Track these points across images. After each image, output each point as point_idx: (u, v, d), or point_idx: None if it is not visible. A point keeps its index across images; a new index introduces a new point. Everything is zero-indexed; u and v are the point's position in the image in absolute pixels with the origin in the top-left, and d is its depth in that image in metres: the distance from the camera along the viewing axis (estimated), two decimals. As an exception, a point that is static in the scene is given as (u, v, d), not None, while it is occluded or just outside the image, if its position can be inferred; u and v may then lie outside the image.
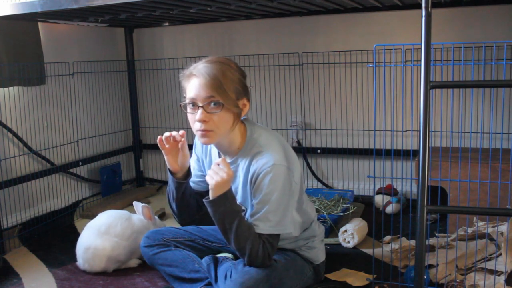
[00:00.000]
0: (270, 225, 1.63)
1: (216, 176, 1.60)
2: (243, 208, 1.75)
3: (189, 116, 1.65)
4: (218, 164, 1.62)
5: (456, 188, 2.23)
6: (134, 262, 2.14)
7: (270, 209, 1.62)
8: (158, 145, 1.75)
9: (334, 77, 2.96)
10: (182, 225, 1.97)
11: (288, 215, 1.68)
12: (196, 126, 1.63)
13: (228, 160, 1.73)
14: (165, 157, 1.76)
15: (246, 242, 1.61)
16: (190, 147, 1.82)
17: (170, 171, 1.80)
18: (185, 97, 1.66)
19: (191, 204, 1.86)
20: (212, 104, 1.59)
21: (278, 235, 1.68)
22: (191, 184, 1.88)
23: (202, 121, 1.60)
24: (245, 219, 1.74)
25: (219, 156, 1.77)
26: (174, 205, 1.85)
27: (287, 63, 3.03)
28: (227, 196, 1.62)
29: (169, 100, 3.35)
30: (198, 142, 1.86)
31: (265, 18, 3.03)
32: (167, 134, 1.74)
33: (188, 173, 1.82)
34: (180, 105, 1.67)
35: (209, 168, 1.82)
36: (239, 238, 1.62)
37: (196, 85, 1.60)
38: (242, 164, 1.70)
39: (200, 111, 1.60)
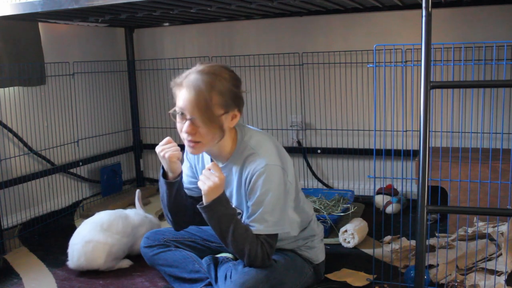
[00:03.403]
0: (267, 225, 1.63)
1: (208, 181, 1.60)
2: (239, 211, 1.75)
3: (178, 124, 1.64)
4: (209, 169, 1.62)
5: (456, 188, 2.23)
6: (126, 263, 2.14)
7: (266, 210, 1.62)
8: (170, 155, 1.70)
9: (334, 77, 2.96)
10: (177, 231, 1.95)
11: (285, 214, 1.68)
12: (183, 136, 1.63)
13: (220, 165, 1.72)
14: (170, 164, 1.72)
15: (244, 244, 1.61)
16: (182, 147, 1.80)
17: (163, 175, 1.78)
18: (174, 104, 1.65)
19: (187, 208, 1.84)
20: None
21: (276, 235, 1.68)
22: (186, 191, 1.87)
23: (189, 133, 1.60)
24: (242, 221, 1.74)
25: (211, 161, 1.77)
26: (167, 211, 1.82)
27: (287, 63, 3.03)
28: (221, 200, 1.62)
29: (169, 100, 3.32)
30: None
31: (265, 18, 3.04)
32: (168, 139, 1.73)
33: (179, 174, 1.80)
34: (169, 113, 1.65)
35: (201, 173, 1.82)
36: (237, 241, 1.62)
37: (185, 98, 1.58)
38: (235, 168, 1.70)
39: (187, 123, 1.59)
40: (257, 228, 1.63)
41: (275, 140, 1.76)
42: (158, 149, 1.72)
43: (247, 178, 1.64)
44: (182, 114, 1.61)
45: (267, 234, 1.64)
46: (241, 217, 1.74)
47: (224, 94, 1.58)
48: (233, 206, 1.74)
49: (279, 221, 1.65)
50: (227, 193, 1.74)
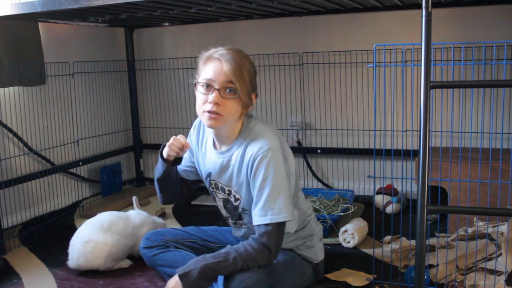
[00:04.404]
0: (273, 213, 1.61)
1: None
2: (237, 197, 1.74)
3: (200, 96, 1.66)
4: None
5: (456, 188, 2.23)
6: (125, 263, 2.14)
7: (270, 195, 1.61)
8: (175, 147, 1.74)
9: (334, 77, 2.96)
10: (162, 204, 1.98)
11: (289, 201, 1.66)
12: (205, 107, 1.64)
13: (223, 149, 1.74)
14: (170, 152, 1.76)
15: (237, 266, 1.62)
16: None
17: (162, 156, 1.81)
18: (195, 79, 1.68)
19: (175, 188, 1.89)
20: (228, 90, 1.62)
21: (284, 224, 1.65)
22: (181, 172, 1.92)
23: (215, 103, 1.62)
24: (239, 209, 1.75)
25: (214, 147, 1.78)
26: (157, 184, 1.87)
27: (287, 63, 3.03)
28: (188, 282, 1.61)
29: (169, 100, 3.35)
30: (193, 133, 1.88)
31: (265, 18, 3.03)
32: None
33: (177, 160, 1.83)
34: (195, 84, 1.67)
35: (203, 160, 1.83)
36: (232, 268, 1.62)
37: (216, 68, 1.62)
38: (237, 152, 1.70)
39: (215, 93, 1.61)
40: (264, 218, 1.62)
41: (279, 134, 1.78)
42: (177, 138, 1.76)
43: (249, 162, 1.65)
44: (208, 86, 1.63)
45: (274, 222, 1.62)
46: (240, 203, 1.74)
47: (250, 73, 1.67)
48: (233, 191, 1.75)
49: (285, 207, 1.63)
50: (226, 178, 1.75)
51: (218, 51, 1.65)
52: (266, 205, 1.62)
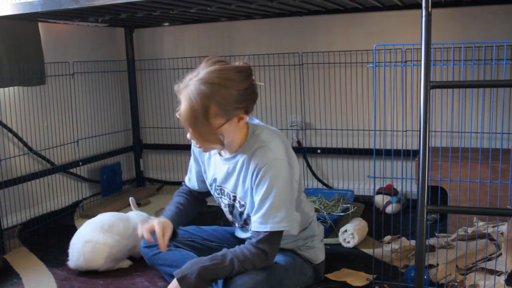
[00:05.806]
0: (274, 221, 1.62)
1: None
2: (243, 203, 1.75)
3: None
4: None
5: (456, 188, 2.23)
6: (125, 263, 2.14)
7: (273, 205, 1.61)
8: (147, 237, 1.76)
9: (334, 77, 2.96)
10: None
11: (291, 210, 1.67)
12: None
13: (228, 156, 1.73)
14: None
15: (234, 268, 1.61)
16: (186, 146, 1.83)
17: None
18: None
19: (190, 217, 1.95)
20: None
21: (281, 232, 1.66)
22: (190, 185, 1.93)
23: (191, 139, 1.63)
24: (244, 215, 1.74)
25: (219, 154, 1.77)
26: None
27: (287, 63, 3.03)
28: (189, 286, 1.60)
29: (169, 100, 3.35)
30: None
31: (265, 18, 3.03)
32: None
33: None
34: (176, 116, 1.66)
35: (208, 165, 1.83)
36: (230, 270, 1.62)
37: (181, 109, 1.57)
38: (242, 160, 1.69)
39: (188, 133, 1.61)
40: (264, 226, 1.62)
41: (285, 138, 1.77)
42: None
43: (255, 171, 1.64)
44: None
45: (272, 231, 1.62)
46: (245, 209, 1.74)
47: (224, 104, 1.54)
48: (238, 197, 1.75)
49: (287, 217, 1.63)
50: (232, 184, 1.74)
51: (188, 85, 1.55)
52: (267, 214, 1.62)
